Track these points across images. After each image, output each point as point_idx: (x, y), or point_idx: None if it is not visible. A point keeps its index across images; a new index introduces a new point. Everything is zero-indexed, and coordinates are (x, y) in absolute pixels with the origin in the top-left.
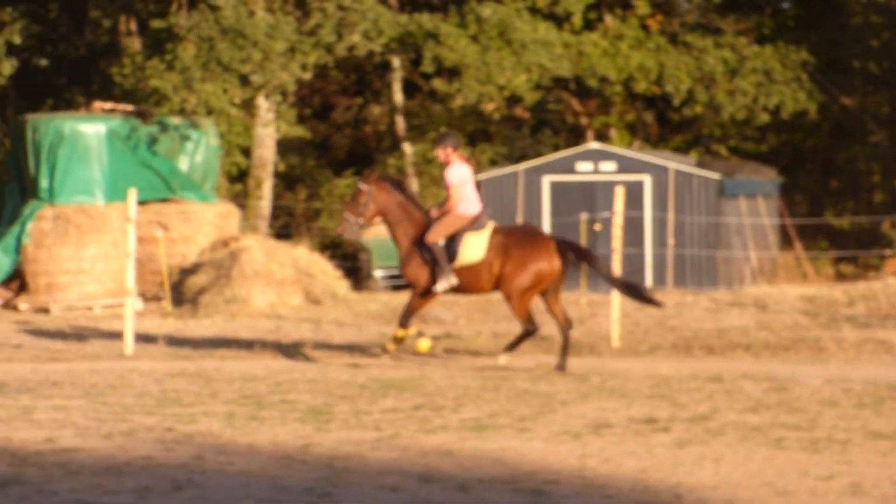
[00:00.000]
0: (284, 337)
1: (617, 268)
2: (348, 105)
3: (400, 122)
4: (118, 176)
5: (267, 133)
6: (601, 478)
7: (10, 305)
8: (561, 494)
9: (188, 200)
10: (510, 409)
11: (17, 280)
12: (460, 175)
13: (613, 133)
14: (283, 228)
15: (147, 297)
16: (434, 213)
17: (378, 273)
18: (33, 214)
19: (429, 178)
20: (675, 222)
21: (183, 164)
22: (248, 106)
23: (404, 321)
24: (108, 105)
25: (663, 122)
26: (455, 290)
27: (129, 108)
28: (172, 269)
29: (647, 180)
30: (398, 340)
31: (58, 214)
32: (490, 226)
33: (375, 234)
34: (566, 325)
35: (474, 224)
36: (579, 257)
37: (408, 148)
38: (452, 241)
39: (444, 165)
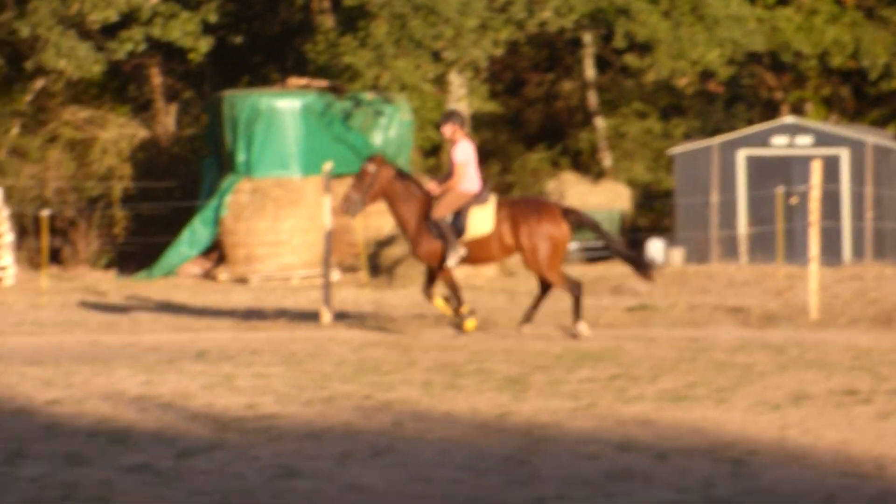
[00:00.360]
0: (479, 308)
1: (815, 242)
2: (540, 80)
3: (592, 97)
4: (313, 150)
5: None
6: (801, 449)
7: (209, 276)
8: (761, 465)
9: None
10: (708, 379)
11: (216, 251)
12: (467, 153)
13: (809, 107)
14: None
15: (343, 268)
16: (434, 189)
17: (573, 245)
18: (231, 188)
19: (621, 153)
20: (874, 196)
21: (377, 138)
22: (441, 82)
23: (457, 298)
24: (303, 81)
25: (860, 96)
26: (465, 262)
27: (324, 83)
28: (368, 241)
29: (844, 154)
30: (467, 314)
31: (255, 188)
32: (493, 199)
33: None
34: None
35: (478, 199)
36: (581, 224)
37: (600, 122)
38: (458, 217)
39: (450, 143)
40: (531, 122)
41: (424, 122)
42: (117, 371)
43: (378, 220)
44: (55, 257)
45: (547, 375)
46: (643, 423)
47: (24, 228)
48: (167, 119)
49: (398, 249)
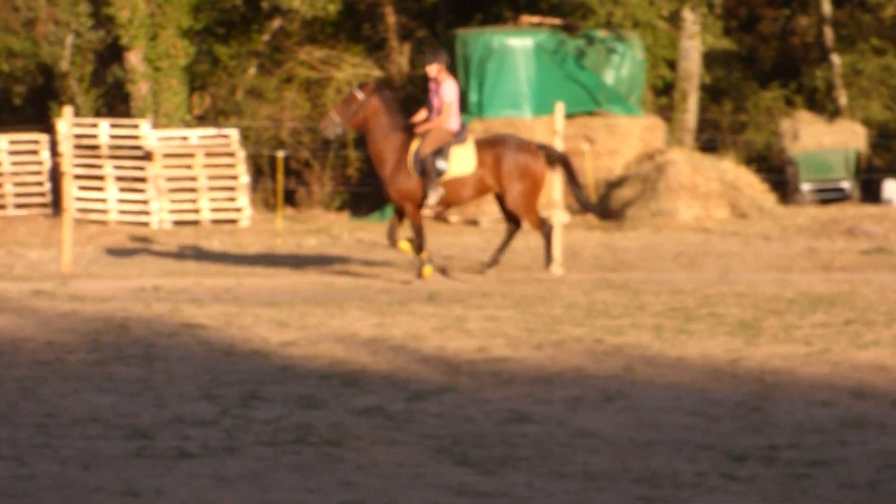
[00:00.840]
0: (711, 250)
1: None
2: (775, 16)
3: (828, 33)
4: (545, 89)
5: (693, 46)
6: None
7: (441, 217)
8: None
9: (614, 114)
10: None
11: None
12: (455, 92)
13: None
14: (709, 142)
15: (573, 211)
16: (420, 127)
17: (806, 186)
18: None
19: (857, 90)
20: None
21: (609, 77)
22: (674, 18)
23: (420, 243)
24: (536, 19)
25: None
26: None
27: (557, 21)
28: (598, 182)
29: None
30: (425, 260)
31: (487, 128)
32: (471, 139)
33: (804, 148)
34: (514, 230)
35: (457, 139)
36: (554, 161)
37: (836, 59)
38: (439, 155)
39: (435, 81)
40: (765, 59)
41: (657, 59)
42: (350, 313)
43: (608, 161)
44: (290, 199)
45: (780, 320)
46: (878, 369)
47: (260, 170)
48: (401, 58)
49: (629, 191)
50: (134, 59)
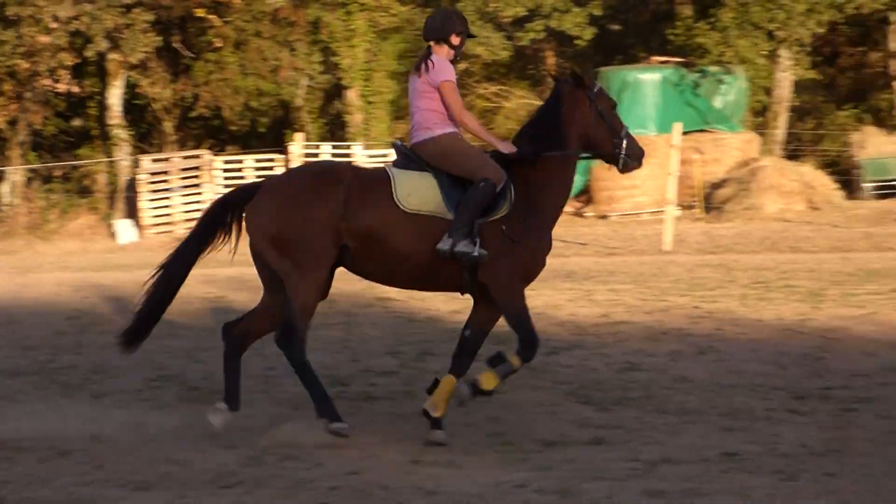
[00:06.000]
0: (790, 237)
1: None
2: (852, 52)
3: (892, 65)
4: (667, 113)
5: (785, 77)
6: None
7: (578, 214)
8: None
9: (720, 131)
10: None
11: (586, 194)
12: None
13: None
14: (793, 151)
15: (683, 206)
16: None
17: (868, 185)
18: None
19: None
20: None
21: (717, 102)
22: (772, 56)
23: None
24: (663, 58)
25: None
26: None
27: (679, 60)
28: (705, 184)
29: None
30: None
31: None
32: None
33: (869, 155)
34: None
35: None
36: None
37: None
38: None
39: None
40: (842, 86)
41: (756, 88)
42: None
43: (713, 168)
44: None
45: (841, 289)
46: None
47: None
48: None
49: (728, 191)
50: (352, 95)
